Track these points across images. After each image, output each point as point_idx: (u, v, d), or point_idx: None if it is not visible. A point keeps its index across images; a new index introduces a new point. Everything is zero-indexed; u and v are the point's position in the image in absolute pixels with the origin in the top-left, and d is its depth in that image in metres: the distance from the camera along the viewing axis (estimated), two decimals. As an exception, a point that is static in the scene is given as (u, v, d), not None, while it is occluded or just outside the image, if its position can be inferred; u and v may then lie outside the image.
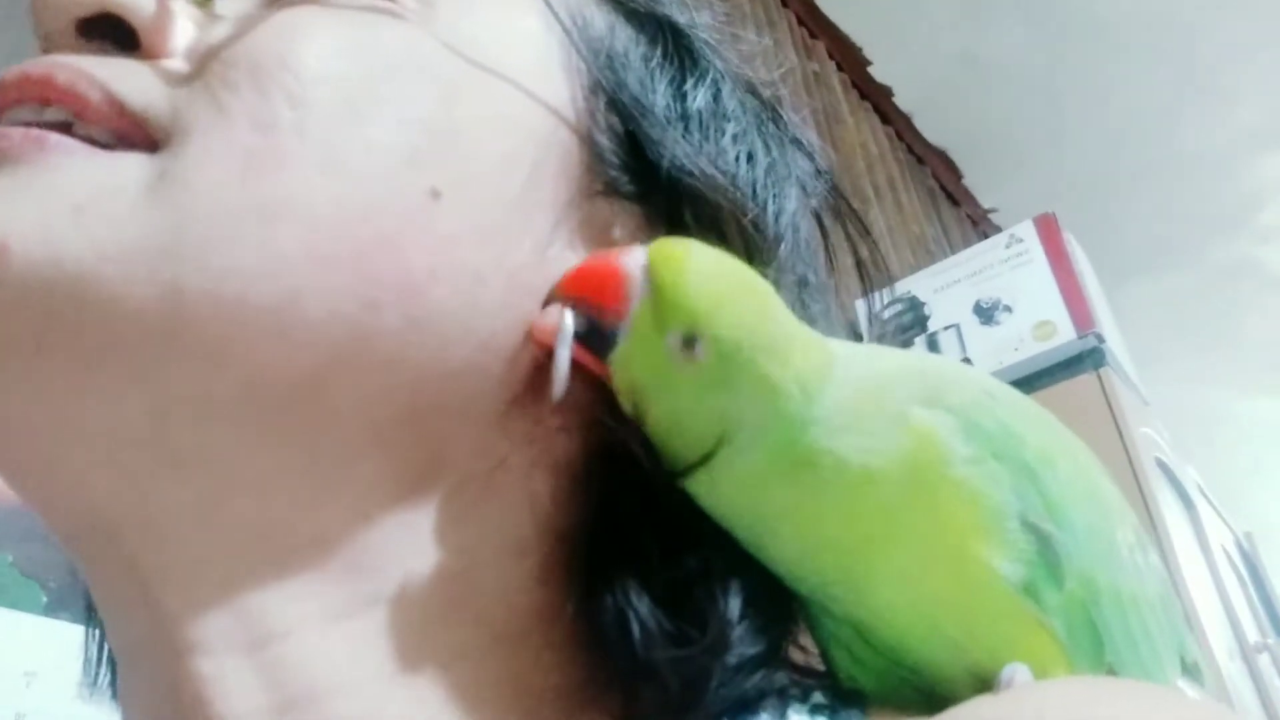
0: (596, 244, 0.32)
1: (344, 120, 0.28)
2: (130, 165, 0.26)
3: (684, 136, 0.34)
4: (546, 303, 0.30)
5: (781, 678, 0.30)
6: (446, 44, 0.31)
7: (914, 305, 1.68)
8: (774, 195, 0.35)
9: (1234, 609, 1.52)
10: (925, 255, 2.34)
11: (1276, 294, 3.40)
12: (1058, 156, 2.83)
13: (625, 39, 0.35)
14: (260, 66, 0.27)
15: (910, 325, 1.66)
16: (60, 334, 0.25)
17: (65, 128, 0.27)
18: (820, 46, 2.39)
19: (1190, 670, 0.32)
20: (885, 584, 0.28)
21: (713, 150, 0.34)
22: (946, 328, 1.62)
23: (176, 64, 0.28)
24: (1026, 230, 1.62)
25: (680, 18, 0.37)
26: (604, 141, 0.33)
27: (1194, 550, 1.51)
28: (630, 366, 0.28)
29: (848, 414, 0.28)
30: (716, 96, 0.36)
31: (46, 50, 0.29)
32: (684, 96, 0.35)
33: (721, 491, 0.29)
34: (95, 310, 0.25)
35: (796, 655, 0.33)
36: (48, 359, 0.25)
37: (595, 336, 0.29)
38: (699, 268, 0.28)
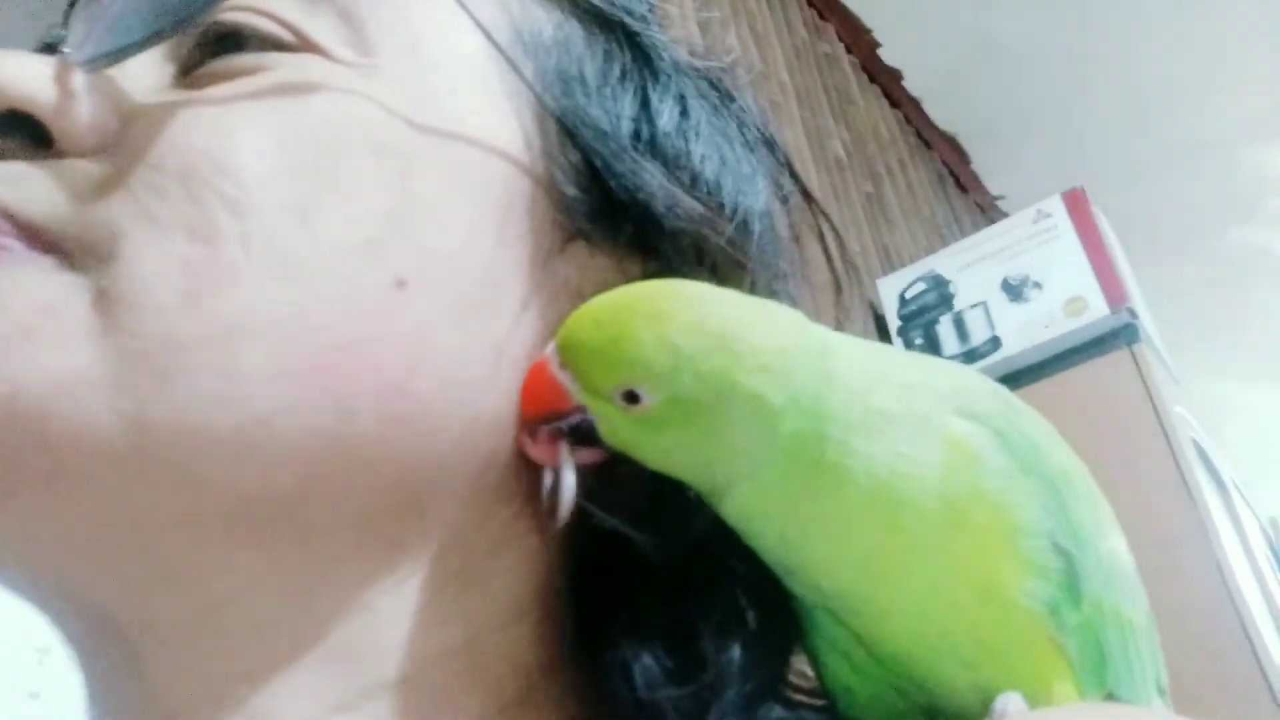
0: (573, 295, 0.31)
1: (290, 221, 0.26)
2: (59, 277, 0.25)
3: (653, 162, 0.32)
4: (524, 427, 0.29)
5: (776, 710, 0.30)
6: (392, 108, 0.28)
7: (938, 283, 1.63)
8: (746, 197, 0.34)
9: (1272, 593, 1.47)
10: (937, 238, 2.31)
11: (1285, 281, 3.38)
12: (1067, 142, 2.80)
13: (579, 49, 0.32)
14: (192, 170, 0.25)
15: (935, 304, 1.61)
16: (27, 469, 0.24)
17: None
18: (830, 28, 2.35)
19: (1162, 694, 0.33)
20: (905, 596, 0.28)
21: (685, 172, 0.32)
22: (973, 306, 1.58)
23: (93, 166, 0.26)
24: (1054, 205, 1.58)
25: (629, 14, 0.34)
26: (569, 189, 0.31)
27: (1231, 535, 1.47)
28: (616, 437, 0.28)
29: (876, 417, 0.27)
30: (684, 109, 0.33)
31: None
32: (650, 116, 0.32)
33: (749, 513, 0.28)
34: (58, 444, 0.24)
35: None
36: (18, 492, 0.24)
37: (578, 431, 0.29)
38: (594, 330, 0.28)
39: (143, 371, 0.24)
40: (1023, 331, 1.52)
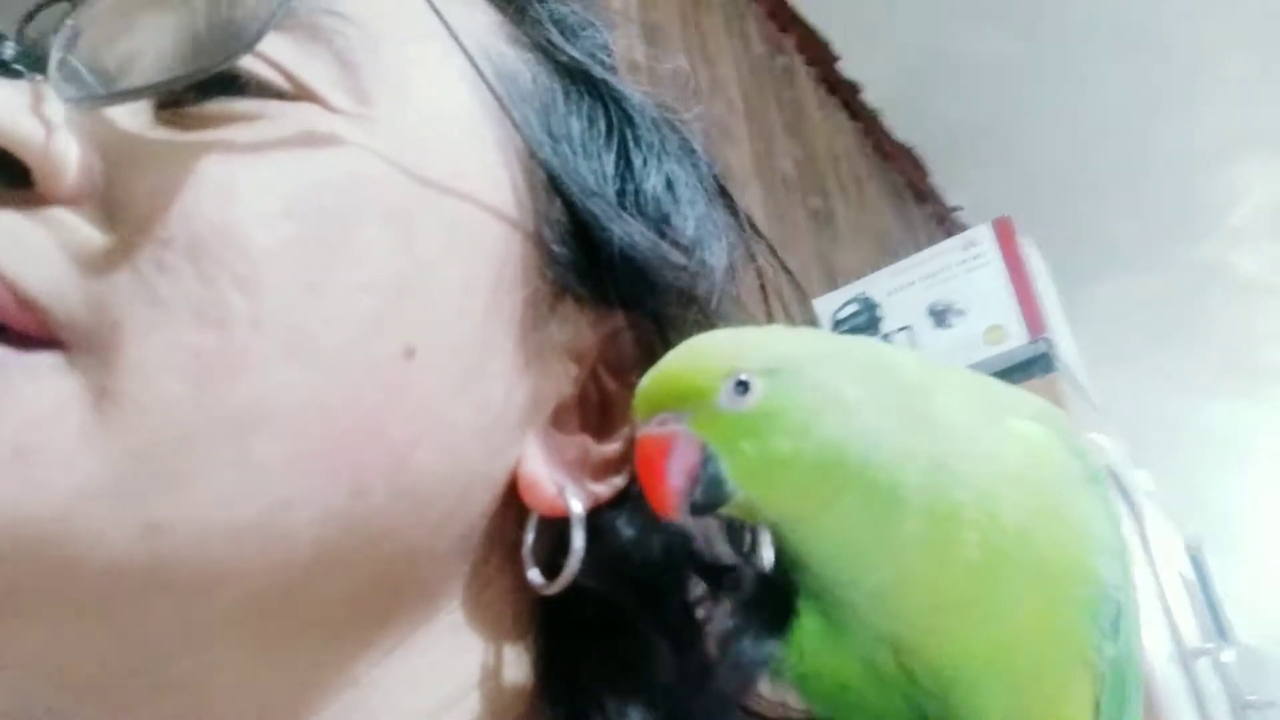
0: (560, 354, 0.31)
1: (301, 297, 0.24)
2: (56, 381, 0.23)
3: (640, 220, 0.31)
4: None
5: None
6: (395, 165, 0.27)
7: (868, 306, 1.67)
8: (714, 255, 0.34)
9: (1174, 614, 1.52)
10: (888, 253, 2.34)
11: (1244, 297, 3.42)
12: (1026, 156, 2.83)
13: (562, 106, 0.32)
14: (201, 245, 0.24)
15: (864, 327, 1.65)
16: (34, 592, 0.22)
17: None
18: (789, 41, 2.38)
19: None
20: (974, 620, 0.27)
21: (669, 229, 0.32)
22: (900, 330, 1.62)
23: (88, 225, 0.24)
24: (983, 233, 1.62)
25: (600, 65, 0.34)
26: (558, 247, 0.30)
27: (1138, 556, 1.52)
28: (740, 457, 0.27)
29: (947, 426, 0.27)
30: (663, 167, 0.33)
31: None
32: (633, 174, 0.32)
33: (832, 536, 0.28)
34: (64, 568, 0.22)
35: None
36: (18, 615, 0.22)
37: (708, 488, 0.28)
38: (687, 356, 0.28)
39: (155, 474, 0.23)
40: (945, 357, 1.56)
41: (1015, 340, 1.52)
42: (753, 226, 0.37)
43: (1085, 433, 1.48)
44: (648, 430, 0.27)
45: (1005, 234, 1.61)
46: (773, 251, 0.38)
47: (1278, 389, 3.71)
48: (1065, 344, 1.59)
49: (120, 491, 0.22)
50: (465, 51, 0.30)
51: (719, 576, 0.32)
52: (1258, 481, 3.93)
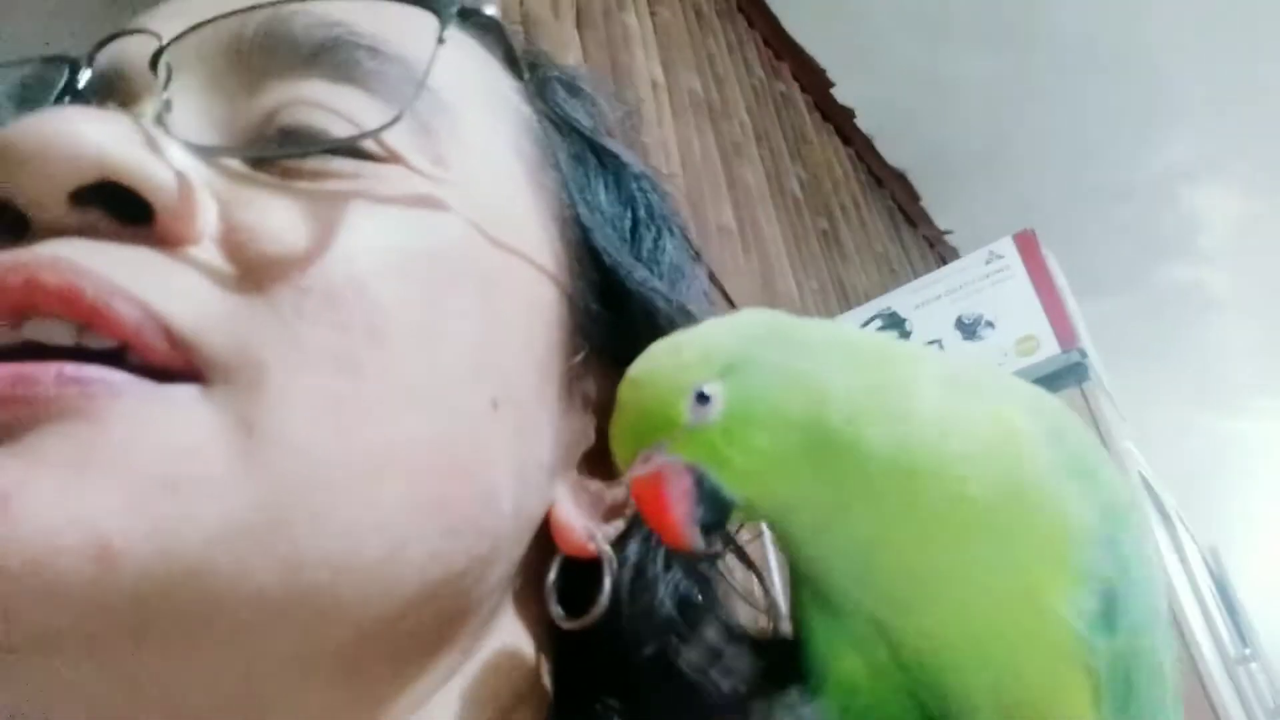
0: (585, 404, 0.33)
1: (419, 349, 0.26)
2: (200, 412, 0.23)
3: (659, 281, 0.33)
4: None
5: None
6: (477, 227, 0.29)
7: (895, 321, 1.67)
8: (703, 310, 0.35)
9: (1216, 624, 1.53)
10: (889, 274, 2.36)
11: (1215, 315, 3.50)
12: (1012, 180, 2.88)
13: (588, 172, 0.34)
14: (337, 296, 0.25)
15: (892, 341, 1.65)
16: (165, 628, 0.22)
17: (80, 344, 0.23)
18: (785, 68, 2.40)
19: None
20: (949, 596, 0.27)
21: (677, 291, 0.34)
22: (929, 343, 1.61)
23: (216, 264, 0.25)
24: (1006, 247, 1.63)
25: (604, 131, 0.36)
26: (593, 306, 0.32)
27: (1176, 566, 1.52)
28: (729, 465, 0.27)
29: (929, 408, 0.27)
30: (671, 233, 0.35)
31: (15, 218, 0.24)
32: (643, 239, 0.35)
33: (816, 508, 0.27)
34: (208, 601, 0.22)
35: None
36: (147, 652, 0.22)
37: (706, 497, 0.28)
38: (643, 378, 0.28)
39: (297, 511, 0.23)
40: (977, 369, 1.56)
41: (1048, 351, 1.52)
42: (717, 286, 0.40)
43: (1120, 443, 1.49)
44: (635, 473, 0.28)
45: (1029, 247, 1.63)
46: (714, 279, 0.41)
47: (1245, 404, 3.79)
48: (1093, 354, 1.60)
49: (266, 525, 0.23)
50: (535, 128, 0.32)
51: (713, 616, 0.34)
52: (1243, 493, 3.99)
